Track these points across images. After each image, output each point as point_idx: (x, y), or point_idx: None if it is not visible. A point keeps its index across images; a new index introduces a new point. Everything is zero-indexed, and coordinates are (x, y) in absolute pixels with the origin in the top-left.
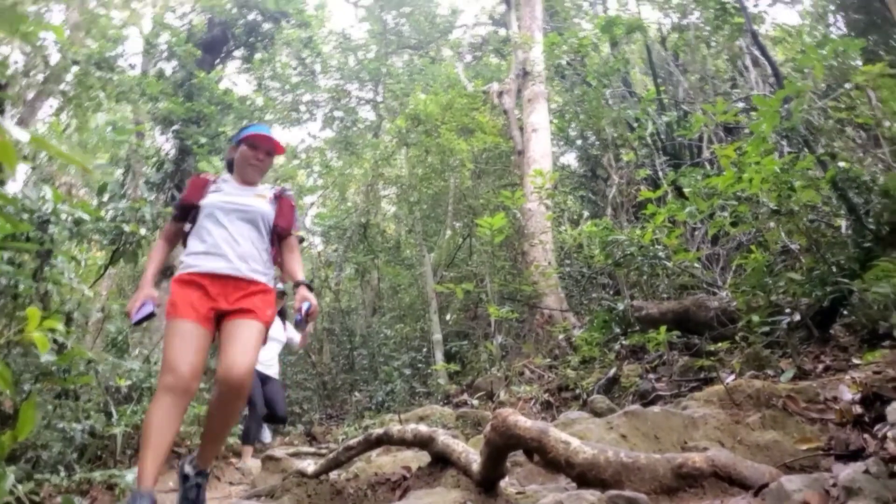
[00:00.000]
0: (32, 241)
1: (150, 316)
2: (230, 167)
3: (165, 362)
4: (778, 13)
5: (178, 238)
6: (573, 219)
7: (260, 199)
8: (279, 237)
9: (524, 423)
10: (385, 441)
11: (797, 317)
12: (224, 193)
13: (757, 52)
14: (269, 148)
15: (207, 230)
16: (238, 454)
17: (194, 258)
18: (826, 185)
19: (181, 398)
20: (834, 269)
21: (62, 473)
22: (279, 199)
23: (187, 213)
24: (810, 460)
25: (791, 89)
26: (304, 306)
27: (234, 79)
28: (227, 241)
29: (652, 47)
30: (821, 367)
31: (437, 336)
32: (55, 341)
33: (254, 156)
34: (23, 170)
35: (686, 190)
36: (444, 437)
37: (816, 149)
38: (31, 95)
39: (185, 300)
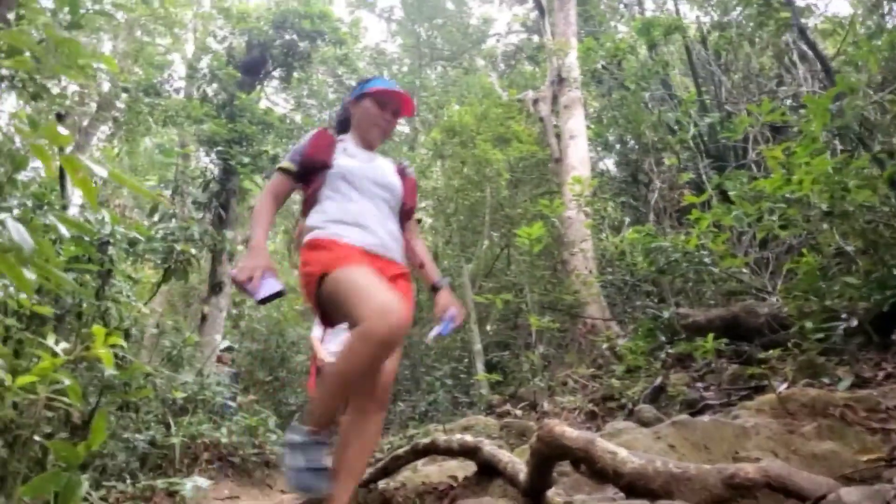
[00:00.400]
0: (93, 262)
1: (279, 294)
2: (344, 126)
3: (375, 303)
4: (827, 4)
5: (286, 199)
6: (614, 226)
7: (391, 172)
8: (405, 217)
9: (570, 433)
10: (431, 451)
11: (854, 322)
12: (358, 159)
13: (805, 47)
14: (397, 107)
15: (348, 198)
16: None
17: (339, 227)
18: (884, 185)
19: (389, 352)
20: (894, 271)
21: (127, 481)
22: (403, 174)
23: (309, 172)
24: (871, 472)
25: (843, 85)
26: (450, 313)
27: (273, 98)
28: (375, 216)
29: (692, 47)
30: (881, 374)
31: (478, 346)
32: (116, 356)
33: (381, 115)
34: (79, 194)
35: (731, 193)
36: (489, 448)
37: (873, 146)
38: (85, 123)
39: (351, 253)
